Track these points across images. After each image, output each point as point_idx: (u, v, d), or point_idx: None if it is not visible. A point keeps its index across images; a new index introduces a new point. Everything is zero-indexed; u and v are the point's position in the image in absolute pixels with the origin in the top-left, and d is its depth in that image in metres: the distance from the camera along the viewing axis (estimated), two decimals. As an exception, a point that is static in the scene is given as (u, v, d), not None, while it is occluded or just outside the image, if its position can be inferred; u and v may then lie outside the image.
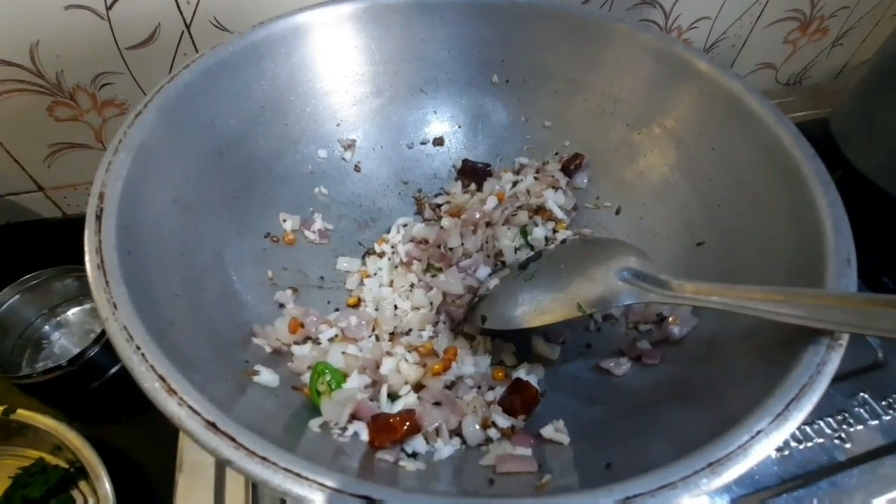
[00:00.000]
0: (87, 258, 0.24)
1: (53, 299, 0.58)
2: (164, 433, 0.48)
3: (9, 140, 0.59)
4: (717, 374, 0.28)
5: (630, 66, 0.44)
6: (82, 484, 0.47)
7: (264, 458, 0.19)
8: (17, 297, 0.55)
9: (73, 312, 0.59)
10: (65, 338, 0.57)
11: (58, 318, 0.58)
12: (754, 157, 0.36)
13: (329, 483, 0.18)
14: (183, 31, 0.56)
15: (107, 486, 0.42)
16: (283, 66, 0.41)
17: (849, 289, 0.26)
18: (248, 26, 0.56)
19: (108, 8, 0.52)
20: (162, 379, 0.20)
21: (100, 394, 0.52)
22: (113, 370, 0.53)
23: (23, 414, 0.45)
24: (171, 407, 0.20)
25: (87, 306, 0.59)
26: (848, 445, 0.40)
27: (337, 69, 0.45)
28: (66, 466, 0.46)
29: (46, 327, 0.57)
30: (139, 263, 0.26)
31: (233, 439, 0.19)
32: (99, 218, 0.25)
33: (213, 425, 0.20)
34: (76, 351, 0.54)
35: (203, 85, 0.36)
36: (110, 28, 0.53)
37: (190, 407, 0.20)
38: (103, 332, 0.49)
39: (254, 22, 0.56)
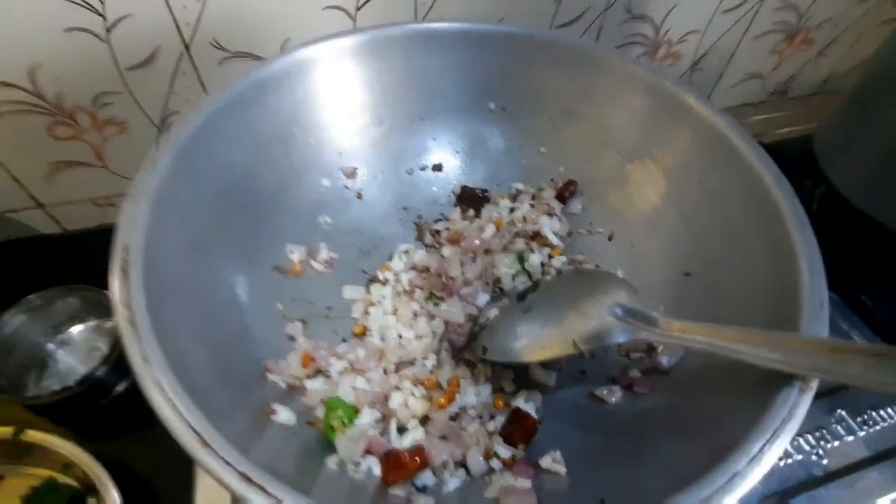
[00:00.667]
0: (117, 313, 0.26)
1: (57, 318, 0.58)
2: (172, 448, 0.50)
3: (8, 159, 0.60)
4: (702, 409, 0.31)
5: (621, 97, 0.46)
6: (92, 501, 0.48)
7: (294, 508, 0.21)
8: (20, 317, 0.55)
9: (76, 330, 0.59)
10: (69, 356, 0.58)
11: (62, 336, 0.59)
12: (737, 193, 0.38)
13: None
14: (182, 52, 0.56)
15: (116, 498, 0.43)
16: (287, 101, 0.43)
17: (821, 332, 0.28)
18: (246, 46, 0.57)
19: (108, 30, 0.52)
20: (197, 434, 0.22)
21: (108, 411, 0.53)
22: (120, 388, 0.54)
23: (33, 434, 0.46)
24: (206, 460, 0.22)
25: (91, 323, 0.59)
26: (825, 461, 0.43)
27: (339, 101, 0.46)
28: (77, 485, 0.47)
29: (51, 346, 0.58)
30: (164, 312, 0.27)
31: (264, 489, 0.21)
32: (125, 271, 0.27)
33: (246, 477, 0.21)
34: (81, 368, 0.55)
35: (213, 125, 0.37)
36: (110, 50, 0.54)
37: (224, 459, 0.22)
38: (110, 352, 0.51)
39: (251, 42, 0.58)
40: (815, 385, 0.26)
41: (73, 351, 0.58)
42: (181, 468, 0.44)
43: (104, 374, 0.51)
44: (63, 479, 0.47)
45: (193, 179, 0.35)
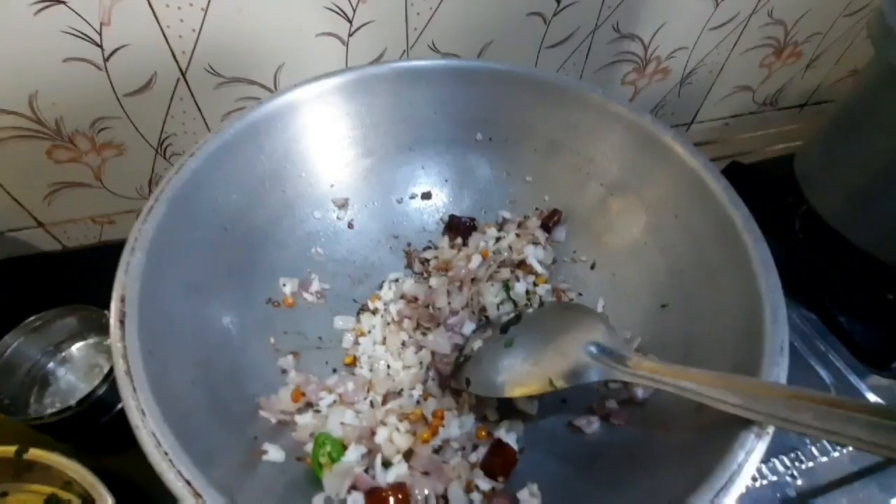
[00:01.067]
0: (115, 364, 0.27)
1: (57, 337, 0.60)
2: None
3: (8, 181, 0.61)
4: (670, 445, 0.32)
5: (603, 132, 0.47)
6: None
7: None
8: (21, 338, 0.57)
9: (76, 348, 0.61)
10: (70, 373, 0.60)
11: (62, 355, 0.60)
12: (710, 232, 0.39)
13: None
14: (179, 78, 0.58)
15: None
16: (279, 140, 0.44)
17: (779, 377, 0.30)
18: (241, 72, 0.58)
19: (106, 60, 0.53)
20: (188, 483, 0.24)
21: (109, 428, 0.54)
22: (119, 406, 0.56)
23: (35, 453, 0.47)
24: (197, 509, 0.24)
25: (91, 341, 0.61)
26: (799, 482, 0.45)
27: (329, 135, 0.48)
28: (79, 502, 0.48)
29: (51, 364, 0.59)
30: (160, 359, 0.29)
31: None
32: (122, 322, 0.28)
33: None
34: (82, 385, 0.57)
35: (207, 168, 0.38)
36: (108, 77, 0.55)
37: (214, 510, 0.23)
38: (110, 371, 0.52)
39: (246, 67, 0.59)
40: (770, 431, 0.28)
41: (74, 369, 0.59)
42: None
43: (104, 393, 0.53)
44: (65, 495, 0.49)
45: (189, 223, 0.37)
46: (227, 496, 0.24)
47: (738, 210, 0.37)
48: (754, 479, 0.45)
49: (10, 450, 0.48)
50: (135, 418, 0.25)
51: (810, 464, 0.46)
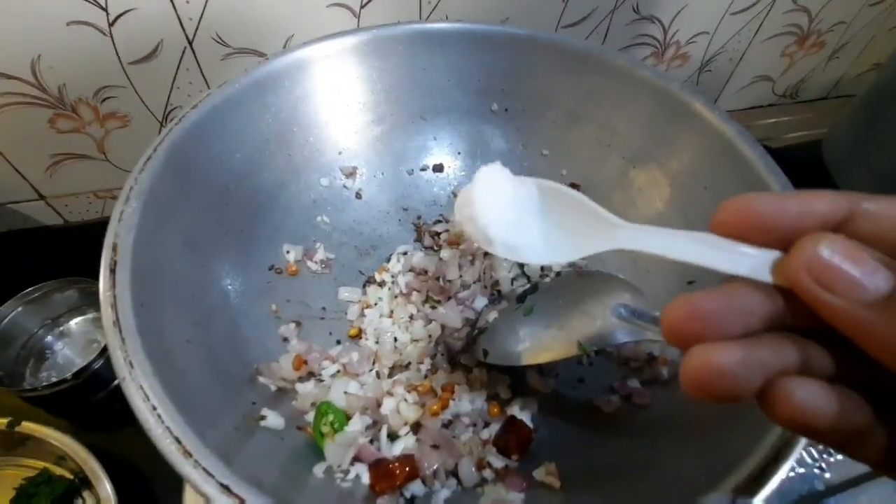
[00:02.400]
0: (102, 314, 0.25)
1: (56, 310, 0.58)
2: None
3: (10, 151, 0.60)
4: (704, 421, 0.30)
5: (627, 101, 0.45)
6: (86, 494, 0.48)
7: (275, 520, 0.20)
8: (19, 308, 0.56)
9: (75, 322, 0.60)
10: (67, 348, 0.58)
11: (60, 329, 0.59)
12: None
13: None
14: (185, 47, 0.56)
15: (109, 492, 0.43)
16: (286, 100, 0.42)
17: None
18: (249, 42, 0.57)
19: (111, 24, 0.52)
20: (178, 441, 0.22)
21: (103, 404, 0.52)
22: (116, 382, 0.54)
23: (27, 426, 0.46)
24: (186, 469, 0.21)
25: (90, 316, 0.60)
26: (828, 475, 0.42)
27: (339, 99, 0.46)
28: (71, 477, 0.47)
29: (49, 338, 0.58)
30: (153, 313, 0.27)
31: (243, 501, 0.21)
32: (113, 271, 0.26)
33: (226, 488, 0.21)
34: (79, 360, 0.55)
35: (210, 123, 0.36)
36: (112, 44, 0.53)
37: (204, 469, 0.21)
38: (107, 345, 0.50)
39: (254, 38, 0.57)
40: None
41: (72, 343, 0.58)
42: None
43: (101, 367, 0.51)
44: (57, 470, 0.48)
45: (189, 178, 0.35)
46: (220, 458, 0.22)
47: (776, 178, 0.35)
48: (781, 471, 0.42)
49: (2, 422, 0.46)
50: (122, 371, 0.23)
51: (839, 456, 0.43)
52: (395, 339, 0.40)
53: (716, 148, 0.39)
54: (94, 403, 0.53)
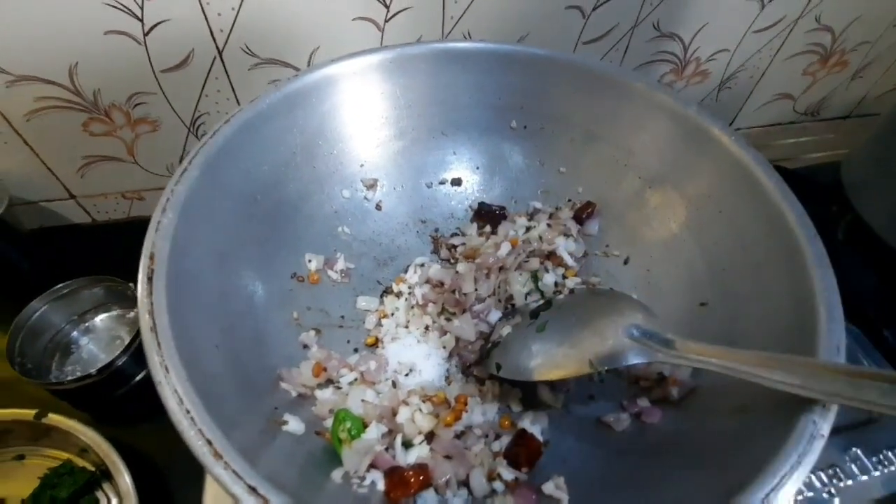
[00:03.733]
0: (140, 320, 0.27)
1: (82, 306, 0.61)
2: (183, 440, 0.51)
3: (45, 152, 0.62)
4: (712, 444, 0.30)
5: (645, 123, 0.46)
6: (107, 486, 0.50)
7: (298, 523, 0.22)
8: (48, 305, 0.58)
9: (100, 319, 0.62)
10: (92, 343, 0.60)
11: (86, 325, 0.61)
12: (759, 227, 0.37)
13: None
14: (215, 57, 0.58)
15: (129, 485, 0.44)
16: (313, 114, 0.44)
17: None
18: (276, 53, 0.58)
19: (146, 34, 0.54)
20: (209, 443, 0.23)
21: (125, 399, 0.54)
22: (138, 378, 0.56)
23: (53, 418, 0.48)
24: (217, 470, 0.23)
25: (114, 313, 0.62)
26: (837, 500, 0.42)
27: (363, 114, 0.47)
28: (93, 469, 0.48)
29: (75, 333, 0.60)
30: (185, 319, 0.28)
31: (267, 502, 0.22)
32: (150, 279, 0.28)
33: (254, 490, 0.22)
34: (102, 356, 0.57)
35: (241, 137, 0.38)
36: (146, 52, 0.55)
37: (234, 471, 0.23)
38: (130, 342, 0.52)
39: (281, 49, 0.59)
40: (834, 411, 0.26)
41: (96, 339, 0.60)
42: (194, 459, 0.45)
43: (124, 364, 0.53)
44: (80, 462, 0.49)
45: (220, 189, 0.36)
46: (247, 460, 0.23)
47: (791, 206, 0.35)
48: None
49: (28, 413, 0.48)
50: (158, 374, 0.25)
51: (849, 482, 0.43)
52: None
53: (732, 173, 0.40)
54: (115, 398, 0.55)
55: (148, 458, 0.50)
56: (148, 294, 0.27)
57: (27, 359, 0.55)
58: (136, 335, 0.53)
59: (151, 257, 0.29)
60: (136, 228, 0.76)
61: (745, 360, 0.29)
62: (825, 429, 0.26)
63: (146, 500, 0.43)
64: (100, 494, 0.49)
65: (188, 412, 0.24)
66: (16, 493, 0.47)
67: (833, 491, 0.43)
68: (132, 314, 0.60)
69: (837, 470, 0.44)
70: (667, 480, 0.30)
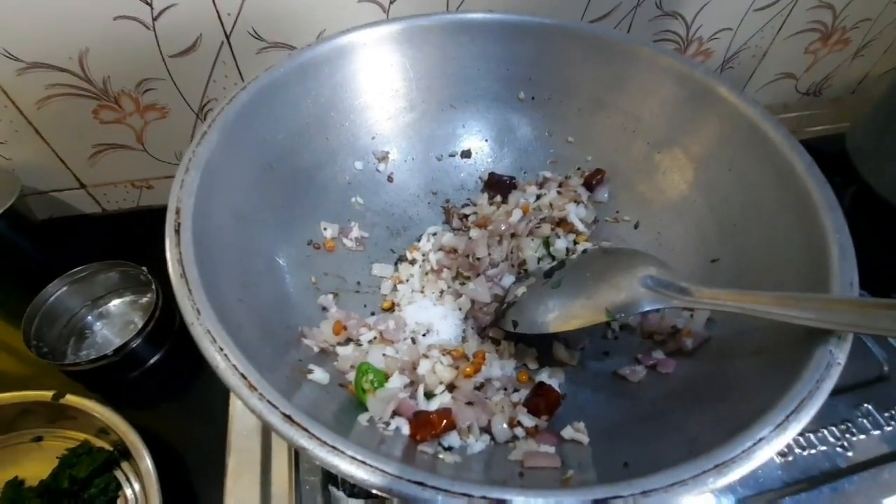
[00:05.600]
0: (170, 268, 0.27)
1: (97, 291, 0.61)
2: (198, 420, 0.52)
3: (55, 140, 0.63)
4: (726, 385, 0.31)
5: (652, 87, 0.46)
6: (125, 465, 0.50)
7: (333, 447, 0.22)
8: (64, 288, 0.59)
9: (114, 304, 0.62)
10: (106, 328, 0.61)
11: (100, 310, 0.62)
12: (769, 181, 0.38)
13: (389, 469, 0.22)
14: (223, 41, 0.59)
15: (149, 463, 0.45)
16: (326, 85, 0.44)
17: (850, 312, 0.28)
18: (283, 37, 0.59)
19: (154, 19, 0.55)
20: (243, 377, 0.24)
21: (139, 382, 0.55)
22: (152, 361, 0.57)
23: (71, 399, 0.48)
24: (252, 401, 0.23)
25: (128, 298, 0.62)
26: (850, 454, 0.42)
27: (375, 86, 0.48)
28: (110, 448, 0.49)
29: (90, 317, 0.61)
30: (210, 271, 0.29)
31: (306, 430, 0.22)
32: (178, 231, 0.28)
33: (289, 418, 0.23)
34: (116, 340, 0.58)
35: (257, 104, 0.39)
36: (155, 37, 0.56)
37: (269, 402, 0.23)
38: (144, 326, 0.53)
39: (288, 33, 0.59)
40: (849, 341, 0.27)
41: (110, 323, 0.61)
42: (210, 438, 0.46)
43: (138, 346, 0.54)
44: (98, 442, 0.50)
45: (238, 153, 0.37)
46: (280, 392, 0.24)
47: (799, 155, 0.36)
48: (802, 448, 0.43)
49: (46, 394, 0.49)
50: (190, 316, 0.25)
51: (862, 436, 0.44)
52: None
53: (740, 130, 0.41)
54: (129, 381, 0.55)
55: (163, 438, 0.50)
56: (176, 244, 0.28)
57: (44, 342, 0.56)
58: (150, 318, 0.53)
59: (177, 212, 0.29)
60: (145, 217, 0.77)
61: (761, 300, 0.29)
62: (841, 357, 0.26)
63: (163, 479, 0.44)
64: (118, 474, 0.49)
65: (221, 349, 0.24)
66: (34, 473, 0.48)
67: (846, 445, 0.43)
68: (145, 299, 0.61)
69: (850, 425, 0.45)
70: (685, 417, 0.30)
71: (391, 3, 0.60)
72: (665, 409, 0.32)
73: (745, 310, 0.29)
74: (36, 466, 0.48)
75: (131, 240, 0.68)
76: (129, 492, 0.48)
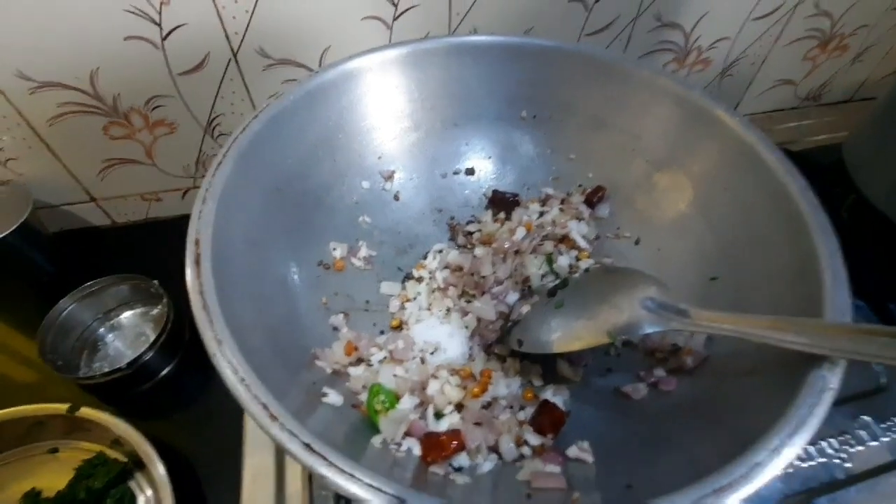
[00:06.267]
0: (192, 299, 0.28)
1: (108, 304, 0.62)
2: (210, 429, 0.53)
3: (66, 156, 0.64)
4: (724, 405, 0.32)
5: (650, 107, 0.47)
6: (139, 476, 0.51)
7: (351, 475, 0.23)
8: (76, 303, 0.60)
9: (125, 316, 0.63)
10: (118, 340, 0.62)
11: (112, 322, 0.63)
12: (764, 202, 0.39)
13: (405, 497, 0.23)
14: (230, 59, 0.60)
15: (163, 473, 0.46)
16: (333, 109, 0.46)
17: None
18: (289, 54, 0.60)
19: (164, 38, 0.56)
20: (265, 407, 0.25)
21: (151, 394, 0.56)
22: (163, 372, 0.58)
23: (86, 411, 0.49)
24: (274, 431, 0.25)
25: (139, 310, 0.64)
26: (849, 465, 0.43)
27: (380, 108, 0.49)
28: (125, 460, 0.50)
29: (102, 330, 0.62)
30: (229, 299, 0.30)
31: (324, 458, 0.24)
32: (198, 263, 0.30)
33: (308, 446, 0.24)
34: (129, 352, 0.59)
35: (267, 132, 0.40)
36: (164, 56, 0.57)
37: (290, 431, 0.24)
38: (157, 338, 0.54)
39: (294, 50, 0.61)
40: (842, 366, 0.28)
41: (122, 336, 0.62)
42: (222, 448, 0.47)
43: (151, 359, 0.55)
44: (113, 453, 0.51)
45: (250, 180, 0.38)
46: (299, 420, 0.25)
47: (793, 179, 0.37)
48: (801, 460, 0.44)
49: (62, 407, 0.50)
50: (213, 348, 0.27)
51: (860, 448, 0.45)
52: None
53: (736, 152, 0.42)
54: (142, 392, 0.56)
55: (176, 449, 0.52)
56: (197, 276, 0.29)
57: (58, 355, 0.57)
58: (162, 331, 0.54)
59: (197, 243, 0.31)
60: (154, 229, 0.78)
61: (757, 324, 0.30)
62: (834, 382, 0.27)
63: (177, 489, 0.45)
64: (132, 484, 0.50)
65: (243, 380, 0.26)
66: (51, 484, 0.49)
67: (844, 456, 0.44)
68: (156, 311, 0.62)
69: (848, 437, 0.46)
70: (685, 438, 0.32)
71: (394, 19, 0.61)
72: (666, 429, 0.34)
73: (741, 333, 0.31)
74: (52, 478, 0.49)
75: (142, 250, 0.69)
76: (143, 502, 0.49)
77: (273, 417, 0.25)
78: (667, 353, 0.40)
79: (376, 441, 0.32)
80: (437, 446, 0.31)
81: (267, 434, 0.24)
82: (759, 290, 0.37)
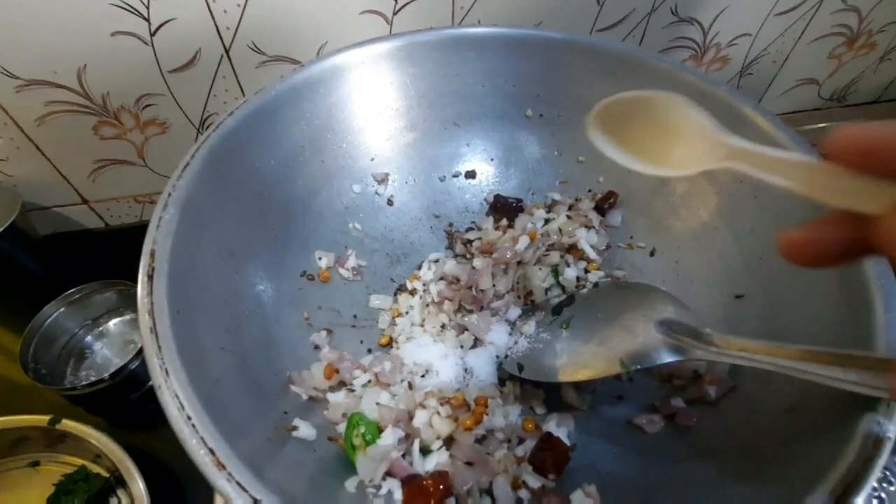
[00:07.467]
0: (140, 320, 0.25)
1: (95, 311, 0.61)
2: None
3: (57, 157, 0.62)
4: (758, 449, 0.28)
5: (670, 106, 0.43)
6: (121, 492, 0.49)
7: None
8: (62, 309, 0.58)
9: (113, 323, 0.62)
10: (106, 348, 0.60)
11: (99, 329, 0.61)
12: (799, 212, 0.34)
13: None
14: (222, 55, 0.57)
15: (142, 489, 0.44)
16: (321, 106, 0.42)
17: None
18: (284, 50, 0.57)
19: (153, 34, 0.53)
20: (212, 452, 0.21)
21: (138, 404, 0.54)
22: (151, 382, 0.55)
23: (67, 424, 0.48)
24: (220, 482, 0.21)
25: (127, 317, 0.62)
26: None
27: (372, 105, 0.46)
28: (107, 475, 0.48)
29: (89, 338, 0.60)
30: (189, 320, 0.27)
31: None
32: (151, 277, 0.26)
33: (258, 503, 0.20)
34: (116, 360, 0.57)
35: (246, 130, 0.37)
36: (154, 53, 0.55)
37: (238, 483, 0.21)
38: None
39: (289, 46, 0.58)
40: None
41: (110, 343, 0.60)
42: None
43: (137, 368, 0.53)
44: (94, 468, 0.49)
45: (224, 184, 0.35)
46: (252, 470, 0.21)
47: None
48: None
49: (43, 419, 0.48)
50: (158, 378, 0.23)
51: (901, 487, 0.40)
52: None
53: (767, 155, 0.37)
54: (129, 403, 0.54)
55: (162, 463, 0.49)
56: (148, 293, 0.26)
57: (42, 364, 0.55)
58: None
59: (152, 255, 0.27)
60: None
61: (796, 356, 0.26)
62: (892, 430, 0.23)
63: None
64: (113, 500, 0.48)
65: (189, 419, 0.22)
66: (31, 499, 0.47)
67: (883, 496, 0.40)
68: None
69: (888, 473, 0.41)
70: (708, 485, 0.27)
71: (394, 14, 0.58)
72: (687, 471, 0.29)
73: (777, 367, 0.26)
74: (33, 492, 0.48)
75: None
76: (122, 519, 0.47)
77: (220, 466, 0.21)
78: (686, 381, 0.36)
79: (351, 485, 0.28)
80: (420, 492, 0.27)
81: (213, 486, 0.21)
82: (795, 311, 0.33)
